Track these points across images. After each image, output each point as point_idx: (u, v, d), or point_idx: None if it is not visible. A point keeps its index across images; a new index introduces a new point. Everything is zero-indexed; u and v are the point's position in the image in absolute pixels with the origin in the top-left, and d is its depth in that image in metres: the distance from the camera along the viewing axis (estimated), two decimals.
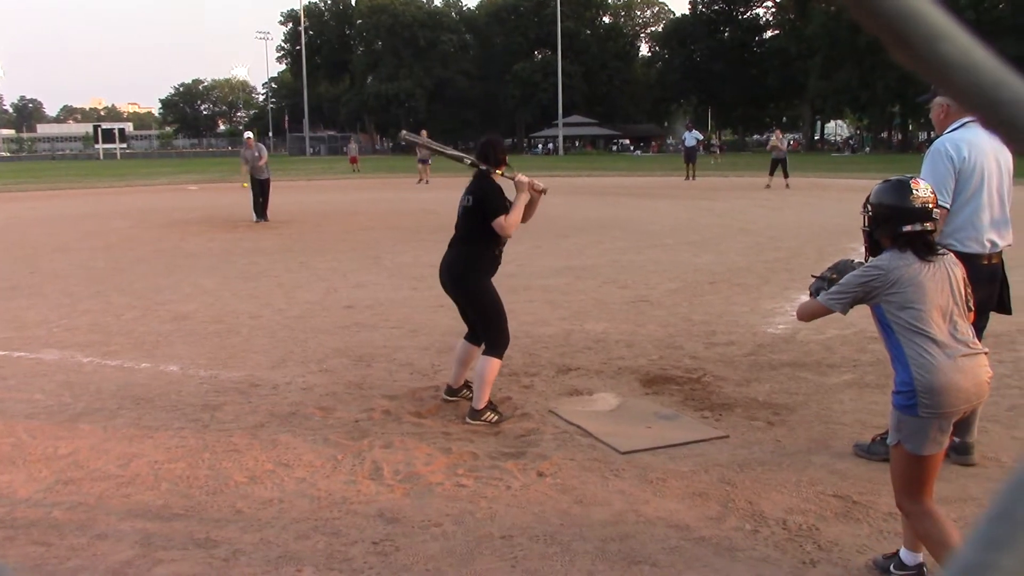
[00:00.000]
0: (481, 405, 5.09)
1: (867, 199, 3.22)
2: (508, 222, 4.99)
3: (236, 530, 3.71)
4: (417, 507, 3.92)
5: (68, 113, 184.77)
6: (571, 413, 5.23)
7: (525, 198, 5.11)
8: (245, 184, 17.83)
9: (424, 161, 30.41)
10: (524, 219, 5.19)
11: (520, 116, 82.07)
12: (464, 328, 5.48)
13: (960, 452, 4.23)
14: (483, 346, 5.22)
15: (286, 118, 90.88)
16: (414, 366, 6.37)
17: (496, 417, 5.10)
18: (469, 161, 5.25)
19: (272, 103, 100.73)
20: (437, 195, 22.81)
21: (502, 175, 5.14)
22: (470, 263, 5.14)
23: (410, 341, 7.14)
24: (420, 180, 30.19)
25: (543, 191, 5.23)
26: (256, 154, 17.17)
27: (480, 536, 3.63)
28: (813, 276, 3.53)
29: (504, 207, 5.04)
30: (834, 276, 3.32)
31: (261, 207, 17.39)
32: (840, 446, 4.63)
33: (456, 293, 5.25)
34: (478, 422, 5.05)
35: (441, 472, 4.35)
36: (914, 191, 3.09)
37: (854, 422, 5.01)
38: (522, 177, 5.13)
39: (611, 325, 7.66)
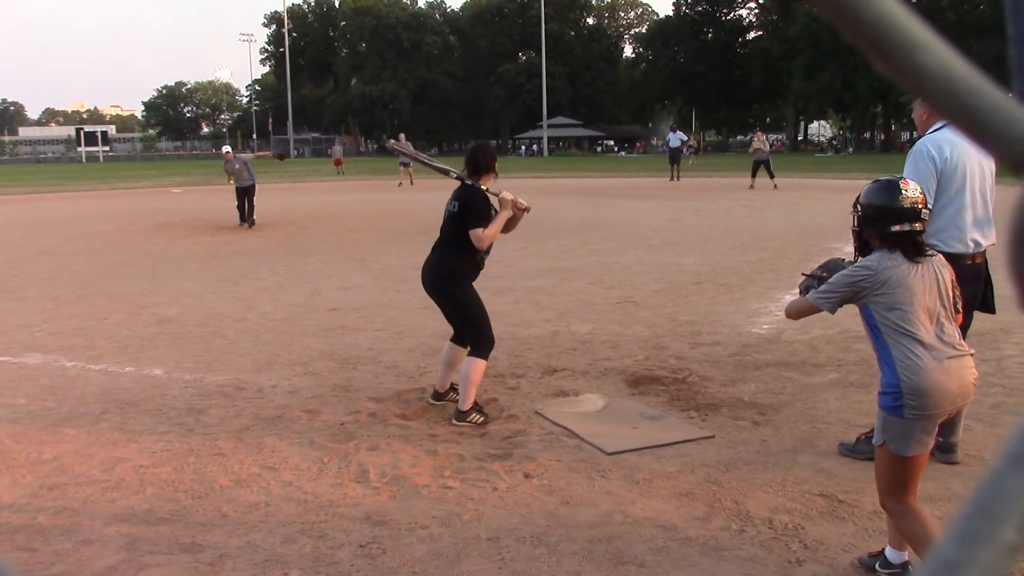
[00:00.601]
0: (467, 406, 5.10)
1: (857, 199, 3.23)
2: (485, 234, 4.99)
3: (222, 534, 3.70)
4: (404, 509, 3.92)
5: (50, 116, 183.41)
6: (557, 414, 5.24)
7: (507, 215, 5.14)
8: (232, 181, 17.84)
9: (406, 164, 30.35)
10: (505, 232, 5.22)
11: (505, 117, 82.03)
12: (450, 330, 5.48)
13: (944, 451, 4.27)
14: (468, 348, 5.23)
15: (270, 120, 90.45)
16: (400, 368, 6.37)
17: (482, 419, 5.11)
18: (455, 175, 5.25)
19: (256, 105, 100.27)
20: (422, 197, 22.80)
21: (487, 191, 5.15)
22: (452, 267, 5.14)
23: (396, 343, 7.13)
24: (401, 183, 30.13)
25: (526, 209, 5.25)
26: (236, 166, 17.27)
27: (467, 538, 3.63)
28: (803, 274, 3.53)
29: (486, 218, 5.04)
30: (824, 275, 3.33)
31: (247, 212, 17.37)
32: (825, 445, 4.66)
33: (437, 296, 5.24)
34: (464, 423, 5.06)
35: (427, 474, 4.34)
36: (903, 191, 3.10)
37: (839, 421, 5.04)
38: (507, 194, 5.14)
39: (597, 326, 7.67)
